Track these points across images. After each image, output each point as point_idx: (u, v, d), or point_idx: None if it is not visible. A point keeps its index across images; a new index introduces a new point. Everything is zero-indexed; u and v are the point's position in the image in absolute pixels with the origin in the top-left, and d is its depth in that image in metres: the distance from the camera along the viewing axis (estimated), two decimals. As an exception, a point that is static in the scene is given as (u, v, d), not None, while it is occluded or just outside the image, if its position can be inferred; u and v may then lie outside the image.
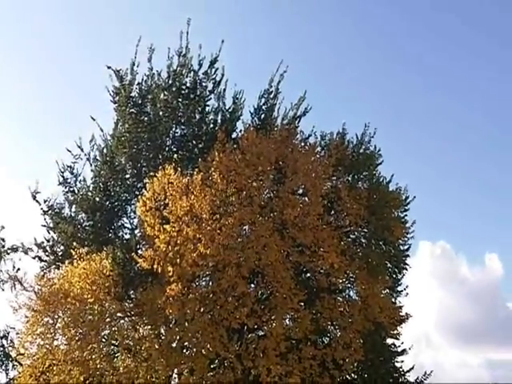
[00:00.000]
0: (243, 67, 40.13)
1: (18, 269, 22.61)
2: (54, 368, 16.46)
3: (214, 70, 19.79)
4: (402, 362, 20.39)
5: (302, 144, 20.19)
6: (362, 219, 19.03)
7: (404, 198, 20.66)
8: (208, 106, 19.87)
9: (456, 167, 57.86)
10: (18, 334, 17.76)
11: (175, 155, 19.11)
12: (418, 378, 20.43)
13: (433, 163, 55.33)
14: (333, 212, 19.33)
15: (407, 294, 20.73)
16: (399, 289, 20.80)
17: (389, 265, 20.50)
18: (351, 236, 20.02)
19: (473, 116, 57.42)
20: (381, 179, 20.82)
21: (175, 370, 17.00)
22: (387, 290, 19.96)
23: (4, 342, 19.25)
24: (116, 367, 16.81)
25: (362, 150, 20.80)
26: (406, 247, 20.82)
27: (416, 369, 20.57)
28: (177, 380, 17.08)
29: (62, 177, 20.03)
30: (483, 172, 57.74)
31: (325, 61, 53.96)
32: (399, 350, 20.23)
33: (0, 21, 45.34)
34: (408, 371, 20.36)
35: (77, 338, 16.51)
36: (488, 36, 54.53)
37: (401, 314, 19.69)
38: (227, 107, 19.94)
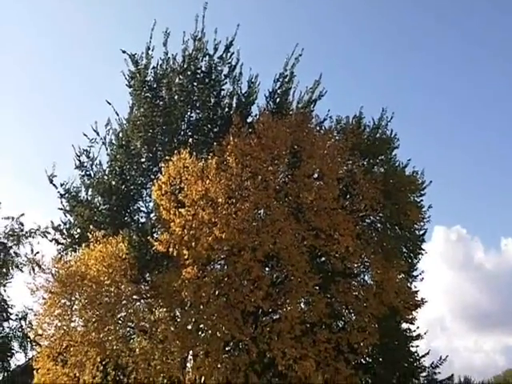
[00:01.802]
0: (258, 51, 40.07)
1: (37, 252, 22.86)
2: (71, 349, 16.66)
3: (229, 54, 19.74)
4: (417, 346, 20.38)
5: (318, 128, 20.13)
6: (378, 203, 18.97)
7: (420, 182, 20.53)
8: (223, 90, 19.83)
9: (473, 153, 57.49)
10: (36, 315, 17.90)
11: (190, 139, 19.09)
12: (433, 363, 20.42)
13: (450, 148, 55.01)
14: (348, 196, 19.25)
15: (422, 278, 20.66)
16: (415, 273, 20.72)
17: (404, 249, 20.44)
18: (367, 220, 19.96)
19: (488, 105, 56.86)
20: (397, 163, 20.74)
21: (190, 352, 17.13)
22: (402, 275, 19.84)
23: (22, 323, 19.46)
24: (132, 349, 16.97)
25: (378, 135, 20.73)
26: (421, 232, 20.77)
27: (431, 353, 20.57)
28: (192, 362, 17.21)
29: (79, 161, 20.13)
30: (499, 157, 57.33)
31: (340, 44, 53.70)
32: (414, 334, 20.16)
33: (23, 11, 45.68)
34: (423, 356, 20.35)
35: (93, 320, 16.67)
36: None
37: (416, 298, 19.60)
38: (242, 91, 19.90)
